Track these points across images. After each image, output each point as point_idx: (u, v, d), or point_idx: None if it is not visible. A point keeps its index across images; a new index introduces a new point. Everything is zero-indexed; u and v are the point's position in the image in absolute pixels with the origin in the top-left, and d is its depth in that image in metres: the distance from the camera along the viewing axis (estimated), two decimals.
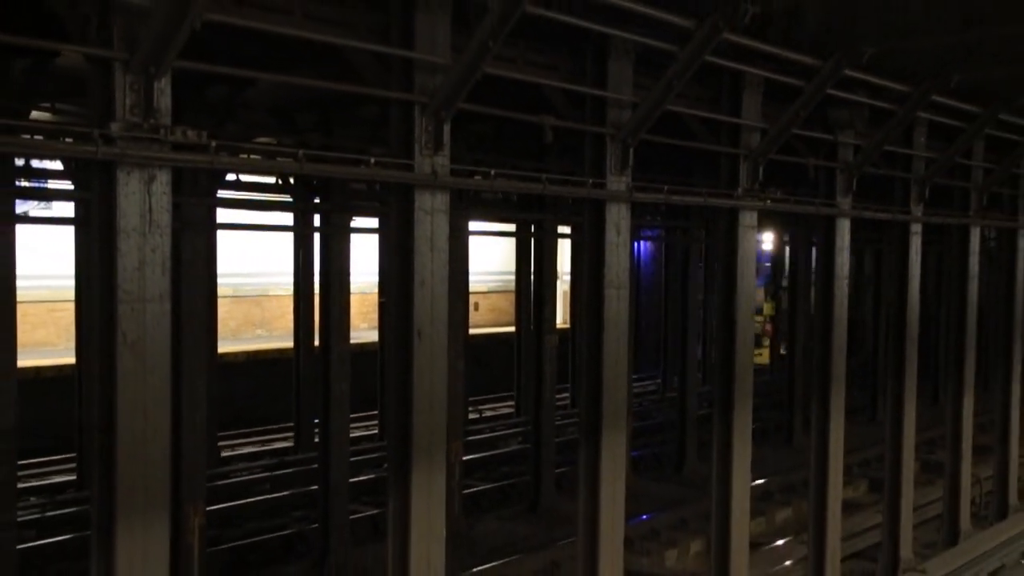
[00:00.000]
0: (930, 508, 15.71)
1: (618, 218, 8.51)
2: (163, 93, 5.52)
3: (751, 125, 9.79)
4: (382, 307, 18.98)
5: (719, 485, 10.07)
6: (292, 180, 14.46)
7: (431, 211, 6.94)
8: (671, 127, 9.33)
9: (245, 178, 13.80)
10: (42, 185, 12.11)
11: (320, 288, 13.08)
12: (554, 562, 13.05)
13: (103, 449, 5.63)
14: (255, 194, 14.30)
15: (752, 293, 10.14)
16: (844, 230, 11.64)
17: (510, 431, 20.57)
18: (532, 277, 16.78)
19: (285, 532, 13.81)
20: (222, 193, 12.74)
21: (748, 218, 9.92)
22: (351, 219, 12.91)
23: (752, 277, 10.08)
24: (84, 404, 14.95)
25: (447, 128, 6.97)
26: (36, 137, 6.15)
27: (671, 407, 20.91)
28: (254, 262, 25.83)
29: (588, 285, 8.64)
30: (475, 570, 12.32)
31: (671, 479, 18.11)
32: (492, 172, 7.58)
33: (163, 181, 5.59)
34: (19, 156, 9.17)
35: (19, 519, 10.54)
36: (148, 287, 5.58)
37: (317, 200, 13.63)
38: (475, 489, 16.04)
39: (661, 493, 16.70)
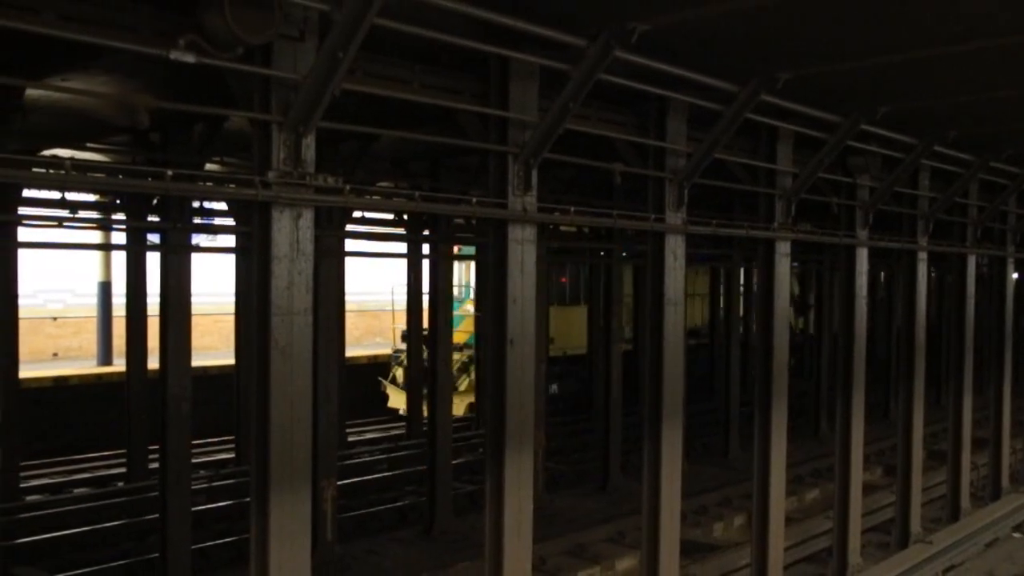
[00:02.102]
0: (935, 490, 15.42)
1: (675, 246, 8.47)
2: (309, 147, 5.63)
3: (784, 170, 9.72)
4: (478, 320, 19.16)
5: (759, 469, 9.93)
6: (406, 216, 14.63)
7: (521, 241, 6.98)
8: (717, 171, 9.31)
9: (369, 215, 14.00)
10: (211, 222, 12.42)
11: (429, 304, 13.19)
12: (620, 532, 12.95)
13: (259, 433, 5.73)
14: (374, 227, 14.49)
15: (786, 309, 10.01)
16: (863, 257, 11.46)
17: (583, 423, 20.47)
18: (603, 298, 16.73)
19: (399, 504, 13.85)
20: (350, 227, 12.94)
21: (783, 247, 9.82)
22: (453, 248, 12.98)
23: (786, 296, 9.95)
24: (241, 396, 15.24)
25: (535, 173, 7.02)
26: (208, 184, 6.26)
27: (716, 405, 20.63)
28: (374, 283, 26.17)
29: (650, 302, 8.61)
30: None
31: (718, 464, 17.88)
32: (571, 209, 7.61)
33: (308, 218, 5.70)
34: (196, 199, 9.47)
35: (192, 487, 10.71)
36: (295, 303, 5.68)
37: (426, 232, 13.81)
38: (555, 471, 15.98)
39: (709, 476, 16.50)
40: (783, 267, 9.85)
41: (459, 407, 18.89)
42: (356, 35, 5.18)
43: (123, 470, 14.81)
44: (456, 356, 18.20)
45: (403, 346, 19.14)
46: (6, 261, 11.71)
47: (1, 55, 6.57)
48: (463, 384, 19.58)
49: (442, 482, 12.55)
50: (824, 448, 17.54)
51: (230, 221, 12.08)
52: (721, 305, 21.58)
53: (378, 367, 22.61)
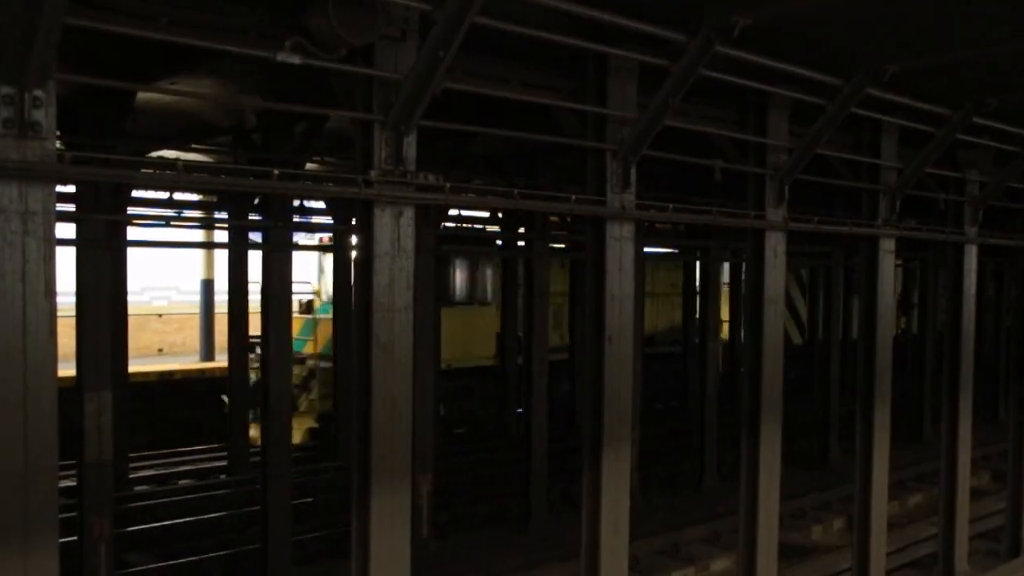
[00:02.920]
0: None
1: (775, 244, 8.34)
2: (410, 146, 5.71)
3: (889, 165, 9.47)
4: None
5: (861, 472, 9.71)
6: (500, 214, 14.69)
7: (620, 239, 6.96)
8: (817, 167, 9.11)
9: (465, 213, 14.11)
10: (308, 220, 12.69)
11: (524, 301, 13.22)
12: (715, 532, 12.81)
13: (360, 428, 5.83)
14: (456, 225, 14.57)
15: (891, 308, 9.76)
16: (972, 255, 11.11)
17: (677, 424, 20.26)
18: (698, 294, 16.56)
19: (493, 503, 13.90)
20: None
21: (887, 244, 9.58)
22: (549, 245, 12.97)
23: (890, 295, 9.70)
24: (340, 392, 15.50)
25: (633, 170, 6.98)
26: (311, 183, 6.38)
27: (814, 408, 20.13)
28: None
29: (749, 300, 8.49)
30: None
31: (816, 468, 17.52)
32: (670, 206, 7.55)
33: (409, 216, 5.78)
34: (298, 198, 9.68)
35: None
36: (396, 300, 5.77)
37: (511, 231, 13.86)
38: (648, 472, 15.86)
39: (806, 480, 16.18)
40: (887, 265, 9.61)
41: (298, 431, 15.72)
42: (457, 34, 5.23)
43: (224, 463, 15.23)
44: (296, 369, 15.74)
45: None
46: (117, 260, 12.13)
47: (115, 59, 6.82)
48: (303, 403, 16.83)
49: (537, 482, 12.52)
50: (928, 452, 17.00)
51: (327, 219, 12.30)
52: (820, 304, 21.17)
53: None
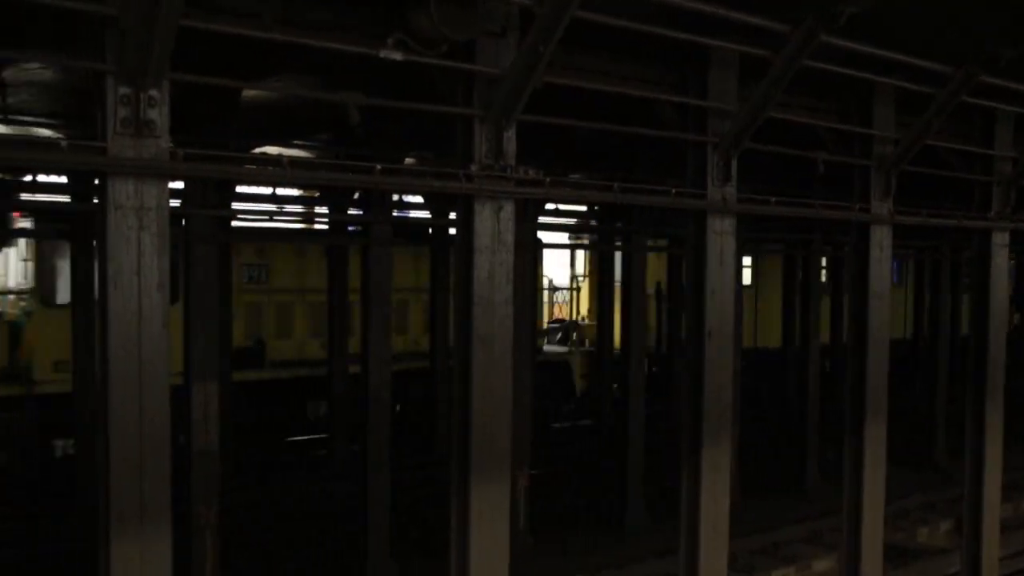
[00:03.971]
0: None
1: (880, 238, 8.16)
2: (510, 141, 5.75)
3: (1004, 155, 9.15)
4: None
5: (972, 472, 9.44)
6: (596, 207, 14.65)
7: (720, 233, 6.90)
8: (926, 158, 8.87)
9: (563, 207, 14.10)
10: (405, 215, 12.86)
11: (622, 298, 13.15)
12: (816, 532, 12.57)
13: (460, 421, 5.90)
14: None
15: (1004, 303, 9.46)
16: None
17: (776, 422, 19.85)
18: (798, 291, 16.23)
19: (588, 499, 13.82)
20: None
21: (1000, 238, 9.28)
22: (647, 239, 12.86)
23: (1004, 289, 9.40)
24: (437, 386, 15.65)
25: (735, 163, 6.91)
26: (413, 178, 6.47)
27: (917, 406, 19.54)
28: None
29: (853, 296, 8.32)
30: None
31: (921, 467, 17.03)
32: (772, 199, 7.45)
33: (508, 210, 5.83)
34: (398, 192, 9.84)
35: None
36: (496, 293, 5.82)
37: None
38: (747, 471, 15.59)
39: (912, 480, 15.74)
40: (1000, 259, 9.31)
41: None
42: (557, 29, 5.25)
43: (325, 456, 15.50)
44: None
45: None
46: (226, 255, 12.41)
47: (222, 58, 7.01)
48: None
49: (632, 479, 12.45)
50: None
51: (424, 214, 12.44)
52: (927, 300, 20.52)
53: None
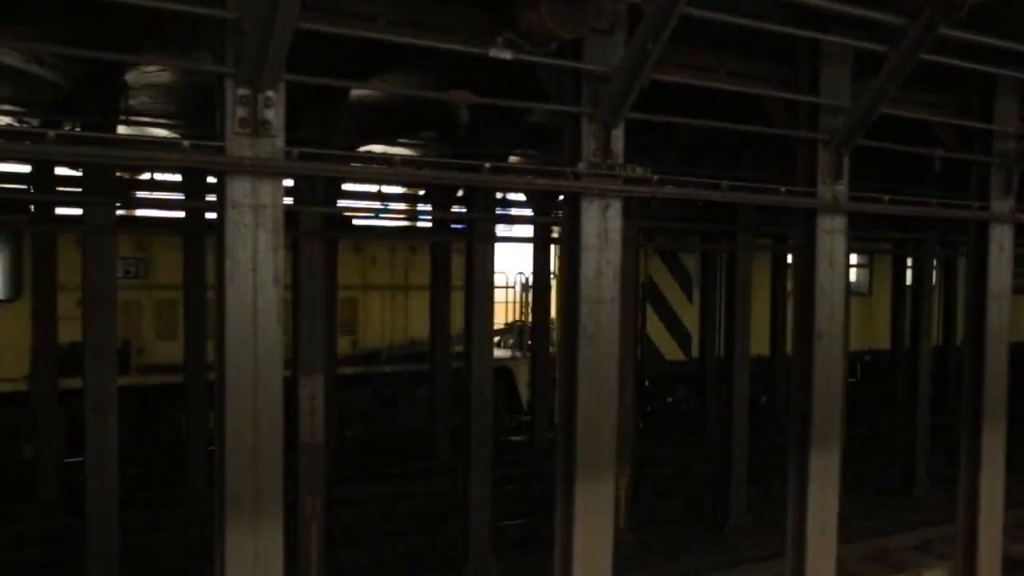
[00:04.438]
0: None
1: (1001, 236, 7.89)
2: (617, 139, 5.75)
3: None
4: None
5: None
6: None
7: (831, 232, 6.77)
8: None
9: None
10: (507, 212, 12.93)
11: (725, 295, 12.97)
12: (927, 540, 12.21)
13: (566, 418, 5.93)
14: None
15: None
16: None
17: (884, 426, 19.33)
18: (911, 292, 15.77)
19: (689, 498, 13.70)
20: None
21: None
22: (752, 239, 12.64)
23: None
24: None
25: (846, 160, 6.78)
26: (520, 176, 6.51)
27: None
28: None
29: (969, 297, 8.07)
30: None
31: None
32: (886, 198, 7.28)
33: (616, 208, 5.83)
34: (503, 191, 9.94)
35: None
36: (603, 291, 5.83)
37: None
38: (854, 475, 15.18)
39: None
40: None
41: None
42: (666, 26, 5.23)
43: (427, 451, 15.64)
44: None
45: None
46: (331, 253, 12.68)
47: (330, 58, 7.18)
48: None
49: (736, 483, 12.28)
50: None
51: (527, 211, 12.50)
52: None
53: None
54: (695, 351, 17.43)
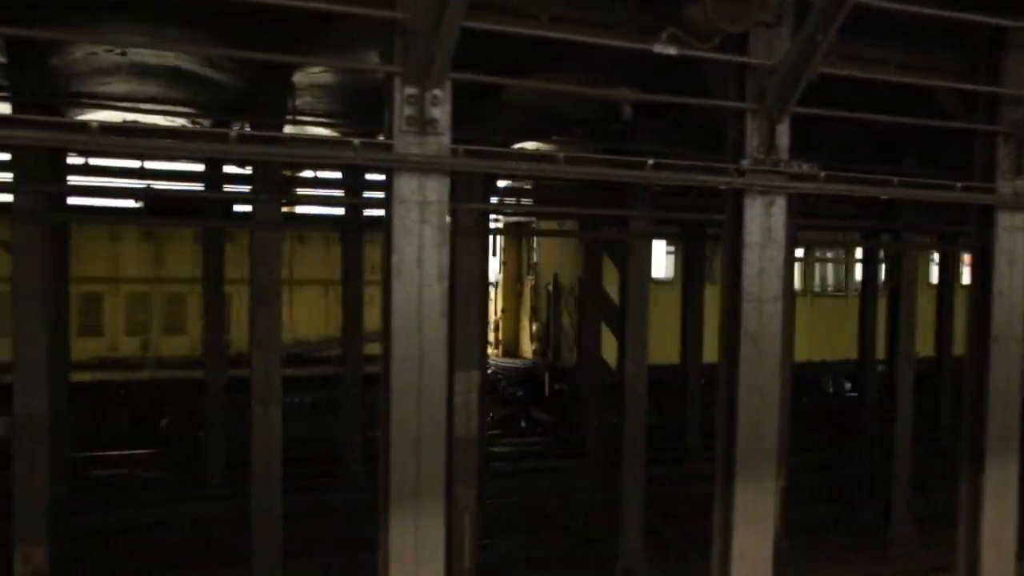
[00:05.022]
0: None
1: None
2: (782, 134, 5.65)
3: None
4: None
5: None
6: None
7: (1011, 229, 6.46)
8: None
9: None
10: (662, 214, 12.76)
11: (889, 299, 12.50)
12: None
13: (726, 419, 5.86)
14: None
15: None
16: None
17: None
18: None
19: (842, 503, 13.27)
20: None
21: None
22: (917, 237, 12.15)
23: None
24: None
25: None
26: (682, 172, 6.43)
27: None
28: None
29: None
30: None
31: None
32: None
33: (780, 205, 5.73)
34: (667, 186, 9.81)
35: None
36: (766, 289, 5.73)
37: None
38: None
39: None
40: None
41: None
42: (836, 16, 5.11)
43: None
44: None
45: None
46: (483, 248, 12.84)
47: (483, 54, 7.29)
48: None
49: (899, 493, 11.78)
50: None
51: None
52: None
53: None
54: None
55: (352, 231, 12.66)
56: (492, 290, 18.19)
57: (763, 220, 5.69)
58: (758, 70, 5.60)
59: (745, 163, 5.60)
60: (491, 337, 18.03)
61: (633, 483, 10.01)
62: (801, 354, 15.22)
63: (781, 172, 5.66)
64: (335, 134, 11.22)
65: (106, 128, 4.92)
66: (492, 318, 18.21)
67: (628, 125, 9.12)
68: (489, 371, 16.29)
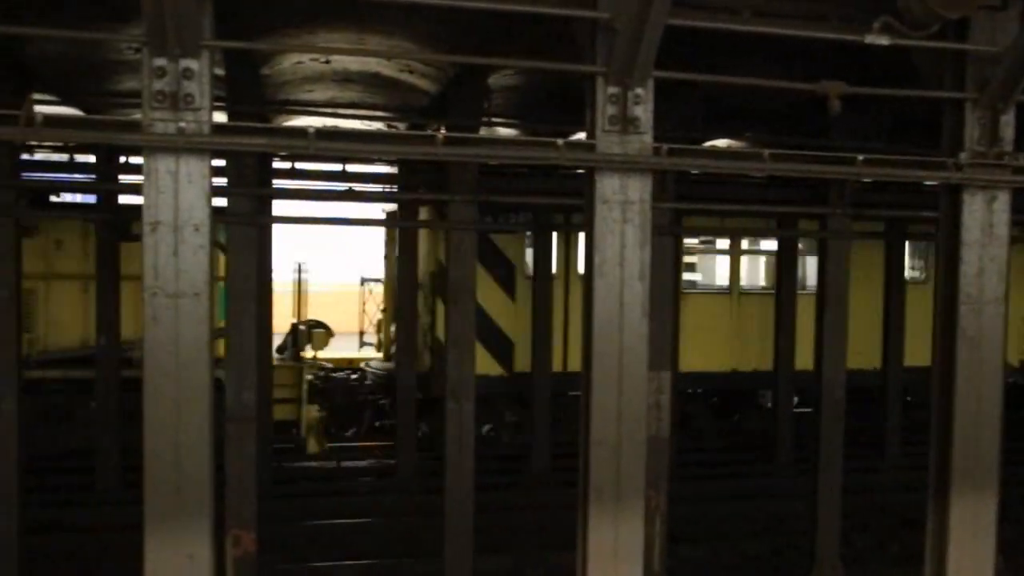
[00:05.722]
0: None
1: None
2: (1007, 126, 5.36)
3: None
4: None
5: None
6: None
7: None
8: None
9: None
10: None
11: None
12: None
13: (939, 426, 5.61)
14: None
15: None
16: None
17: None
18: None
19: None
20: None
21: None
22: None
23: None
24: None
25: None
26: (895, 168, 6.19)
27: None
28: None
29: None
30: None
31: None
32: None
33: (1003, 200, 5.45)
34: (876, 182, 9.44)
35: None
36: (986, 291, 5.46)
37: None
38: None
39: None
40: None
41: None
42: None
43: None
44: None
45: None
46: (676, 247, 12.70)
47: (675, 51, 7.22)
48: None
49: None
50: None
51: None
52: None
53: None
54: (520, 364, 13.89)
55: (543, 230, 12.82)
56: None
57: (984, 216, 5.41)
58: (980, 58, 5.32)
59: (964, 156, 5.34)
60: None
61: (829, 491, 9.71)
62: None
63: (1005, 166, 5.37)
64: (521, 135, 11.39)
65: (321, 133, 5.17)
66: (374, 318, 17.53)
67: (832, 119, 8.84)
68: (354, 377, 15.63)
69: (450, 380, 9.02)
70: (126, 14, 6.19)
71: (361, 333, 18.21)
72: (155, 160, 4.74)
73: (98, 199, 11.87)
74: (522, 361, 13.79)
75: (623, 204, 5.25)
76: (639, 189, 5.25)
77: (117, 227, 11.66)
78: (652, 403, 9.28)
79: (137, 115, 4.89)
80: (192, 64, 4.69)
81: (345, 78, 9.87)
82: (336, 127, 10.64)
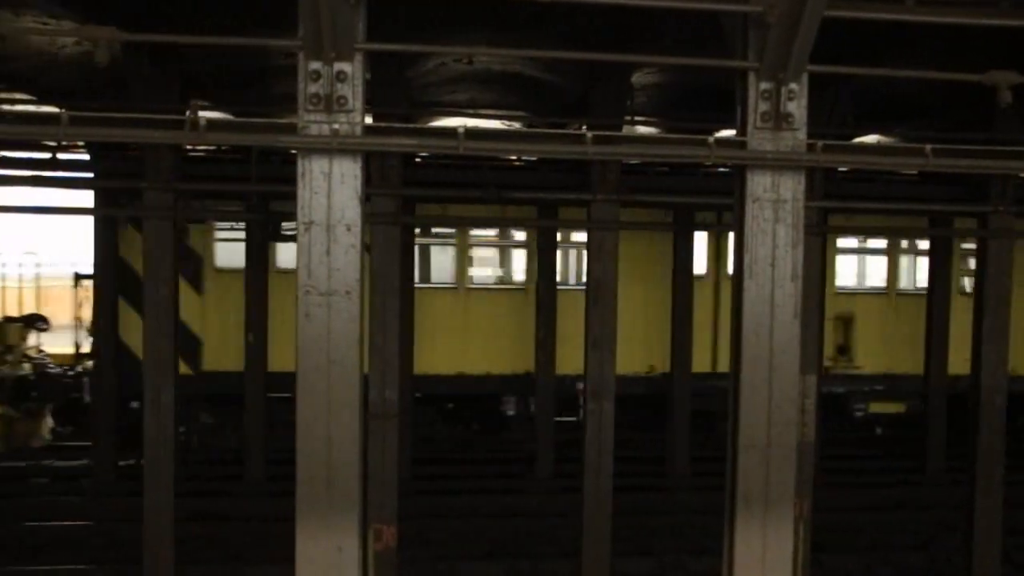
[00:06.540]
0: None
1: None
2: None
3: None
4: None
5: None
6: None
7: None
8: None
9: None
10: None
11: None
12: None
13: None
14: None
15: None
16: None
17: None
18: None
19: None
20: None
21: None
22: None
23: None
24: None
25: None
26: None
27: None
28: None
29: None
30: None
31: None
32: None
33: None
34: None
35: None
36: None
37: None
38: None
39: None
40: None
41: None
42: None
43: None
44: None
45: None
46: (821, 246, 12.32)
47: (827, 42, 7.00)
48: None
49: None
50: None
51: None
52: None
53: None
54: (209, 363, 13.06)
55: (683, 229, 12.68)
56: None
57: None
58: None
59: None
60: None
61: (988, 502, 9.28)
62: None
63: None
64: (655, 132, 11.27)
65: (469, 132, 5.21)
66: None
67: (1006, 111, 8.44)
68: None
69: (591, 380, 8.98)
70: (276, 20, 6.38)
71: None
72: (310, 161, 4.86)
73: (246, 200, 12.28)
74: (211, 360, 13.08)
75: (775, 203, 5.12)
76: (792, 187, 5.11)
77: (267, 227, 12.11)
78: (797, 408, 9.08)
79: (288, 119, 5.02)
80: (345, 67, 4.79)
81: (487, 79, 9.95)
82: (477, 127, 10.73)
